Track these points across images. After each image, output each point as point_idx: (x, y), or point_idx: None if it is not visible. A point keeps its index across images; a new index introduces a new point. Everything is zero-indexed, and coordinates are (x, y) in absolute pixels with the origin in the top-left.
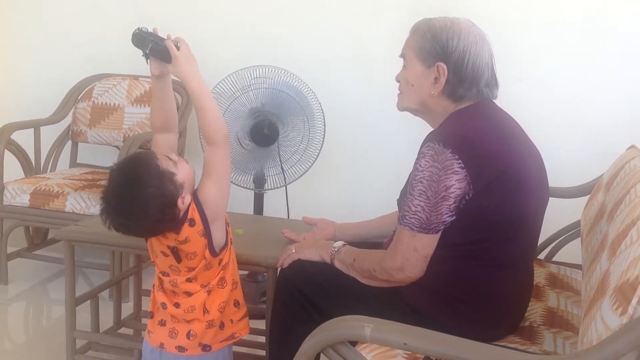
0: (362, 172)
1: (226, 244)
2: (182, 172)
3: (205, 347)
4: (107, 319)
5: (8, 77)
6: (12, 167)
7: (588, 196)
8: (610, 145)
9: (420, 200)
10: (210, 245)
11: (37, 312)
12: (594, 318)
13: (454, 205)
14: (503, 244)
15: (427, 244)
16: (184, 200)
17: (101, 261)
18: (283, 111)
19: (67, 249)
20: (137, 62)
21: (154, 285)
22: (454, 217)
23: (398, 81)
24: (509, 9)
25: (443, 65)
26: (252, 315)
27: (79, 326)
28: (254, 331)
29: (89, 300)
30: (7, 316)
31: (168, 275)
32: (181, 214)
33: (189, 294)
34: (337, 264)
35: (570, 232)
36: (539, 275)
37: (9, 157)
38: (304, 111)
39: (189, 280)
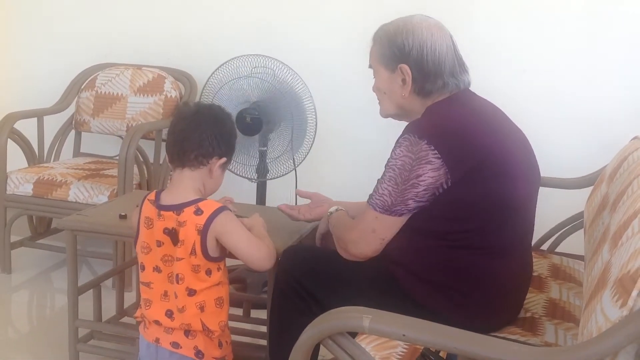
0: (358, 168)
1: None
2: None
3: (199, 354)
4: (110, 308)
5: (12, 68)
6: (16, 157)
7: (592, 187)
8: (614, 136)
9: (389, 185)
10: (203, 244)
11: (40, 301)
12: (594, 310)
13: (424, 192)
14: (493, 231)
15: (387, 226)
16: (214, 165)
17: (105, 250)
18: (272, 108)
19: (69, 239)
20: (140, 52)
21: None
22: (422, 204)
23: (374, 92)
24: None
25: (404, 67)
26: (255, 305)
27: (81, 315)
28: (256, 321)
29: (92, 290)
30: (10, 305)
31: (160, 270)
32: (204, 167)
33: (181, 290)
34: (330, 228)
35: (574, 223)
36: (541, 267)
37: (13, 147)
38: (292, 116)
39: (177, 278)
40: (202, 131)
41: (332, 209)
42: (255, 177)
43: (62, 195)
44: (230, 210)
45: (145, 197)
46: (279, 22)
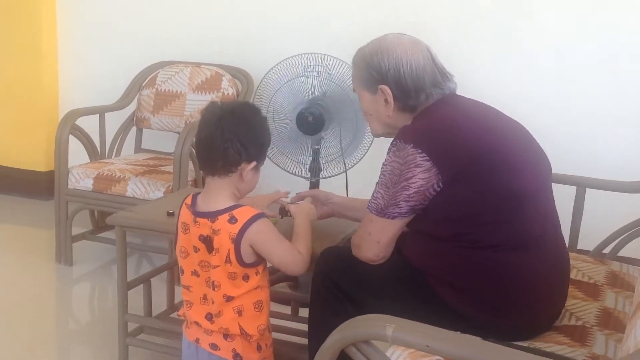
0: None
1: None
2: (255, 180)
3: (237, 357)
4: (163, 303)
5: (78, 67)
6: (78, 153)
7: None
8: None
9: (381, 188)
10: (237, 253)
11: (99, 294)
12: (635, 325)
13: (415, 194)
14: (502, 226)
15: (381, 228)
16: (244, 170)
17: (165, 245)
18: (333, 107)
19: (119, 234)
20: (200, 50)
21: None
22: (416, 206)
23: (363, 114)
24: None
25: (384, 87)
26: (303, 303)
27: (136, 309)
28: (304, 320)
29: (142, 285)
30: (71, 297)
31: (198, 275)
32: (234, 173)
33: (218, 296)
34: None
35: (638, 227)
36: (598, 273)
37: (76, 143)
38: (356, 115)
39: (213, 285)
40: (226, 139)
41: None
42: (308, 176)
43: (121, 190)
44: (267, 217)
45: (183, 201)
46: (335, 17)
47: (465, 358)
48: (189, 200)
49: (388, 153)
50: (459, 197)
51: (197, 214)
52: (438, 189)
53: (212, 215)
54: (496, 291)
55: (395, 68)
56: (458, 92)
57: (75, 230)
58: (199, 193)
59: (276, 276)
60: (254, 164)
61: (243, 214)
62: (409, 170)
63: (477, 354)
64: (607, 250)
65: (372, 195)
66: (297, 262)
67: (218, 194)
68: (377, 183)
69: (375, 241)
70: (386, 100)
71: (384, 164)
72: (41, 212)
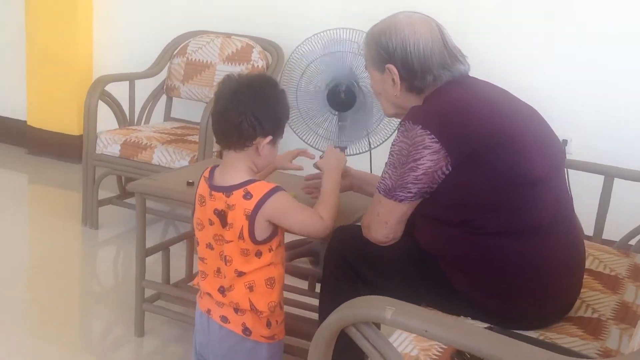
0: None
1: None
2: (272, 155)
3: (246, 331)
4: (183, 270)
5: (111, 34)
6: (109, 119)
7: None
8: None
9: (389, 169)
10: (251, 229)
11: (124, 258)
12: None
13: (423, 175)
14: (512, 212)
15: (388, 209)
16: (260, 144)
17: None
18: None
19: (139, 201)
20: (231, 20)
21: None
22: (424, 189)
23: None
24: None
25: (390, 66)
26: (320, 279)
27: (157, 276)
28: (316, 295)
29: (161, 252)
30: (96, 260)
31: (213, 248)
32: (250, 147)
33: (230, 271)
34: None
35: None
36: (621, 266)
37: (106, 109)
38: None
39: (226, 260)
40: (241, 112)
41: None
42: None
43: (147, 157)
44: (284, 190)
45: (202, 173)
46: None
47: (463, 345)
48: (206, 173)
49: (396, 135)
50: (467, 181)
51: (213, 188)
52: (447, 172)
53: (228, 190)
54: (505, 278)
55: (403, 48)
56: (477, 75)
57: (103, 195)
58: (218, 166)
59: (298, 251)
60: (269, 138)
61: (258, 190)
62: (417, 151)
63: (475, 342)
64: (633, 242)
65: (381, 176)
66: (317, 228)
67: (234, 167)
68: (386, 163)
69: (384, 222)
70: (393, 80)
71: (392, 144)
72: (73, 175)
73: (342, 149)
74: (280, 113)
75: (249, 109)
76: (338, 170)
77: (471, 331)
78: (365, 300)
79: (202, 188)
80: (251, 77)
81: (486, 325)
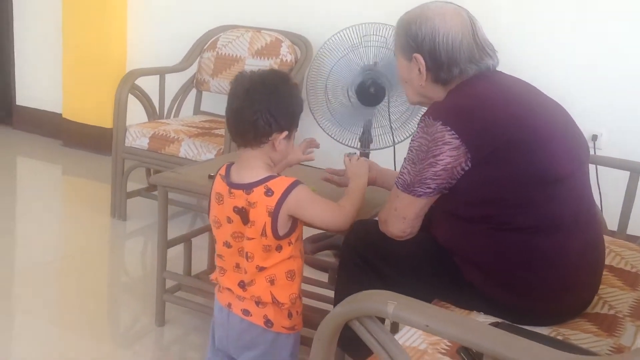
0: None
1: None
2: (288, 149)
3: (268, 323)
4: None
5: (144, 29)
6: (140, 112)
7: None
8: None
9: (408, 164)
10: (274, 226)
11: (150, 249)
12: None
13: (443, 171)
14: (536, 209)
15: (406, 204)
16: (276, 140)
17: None
18: (392, 78)
19: (161, 194)
20: (261, 14)
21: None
22: (443, 185)
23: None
24: None
25: (418, 56)
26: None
27: (180, 268)
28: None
29: (183, 244)
30: (123, 250)
31: (230, 246)
32: (266, 144)
33: (251, 267)
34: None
35: None
36: None
37: (136, 103)
38: None
39: (247, 256)
40: (256, 110)
41: None
42: (359, 146)
43: (174, 151)
44: (303, 183)
45: (217, 171)
46: None
47: (462, 340)
48: (222, 171)
49: (417, 128)
50: (489, 178)
51: (232, 185)
52: (467, 168)
53: (248, 187)
54: (523, 275)
55: (431, 38)
56: (505, 70)
57: (132, 187)
58: (233, 164)
59: (321, 244)
60: (285, 133)
61: (279, 185)
62: (437, 147)
63: (475, 338)
64: None
65: (400, 171)
66: (339, 220)
67: (251, 165)
68: (405, 159)
69: (401, 217)
70: (419, 70)
71: (412, 140)
72: (105, 167)
73: (366, 155)
74: (295, 107)
75: (263, 106)
76: (365, 176)
77: (472, 327)
78: (368, 295)
79: (220, 186)
80: (263, 74)
81: (498, 320)
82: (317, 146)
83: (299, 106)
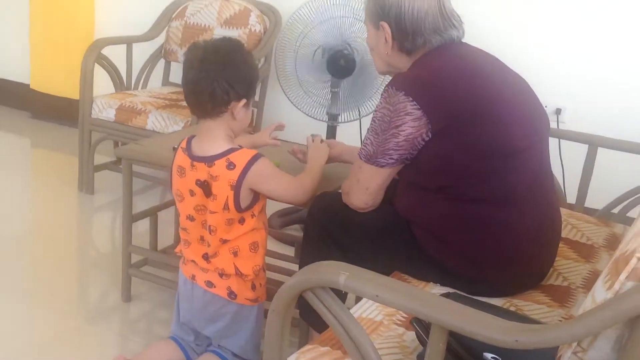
0: None
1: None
2: (248, 118)
3: (231, 294)
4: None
5: None
6: (105, 82)
7: None
8: None
9: (370, 135)
10: (236, 199)
11: (117, 224)
12: (591, 292)
13: (404, 142)
14: (490, 181)
15: (369, 175)
16: (235, 108)
17: None
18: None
19: (126, 167)
20: None
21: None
22: (405, 155)
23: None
24: None
25: (384, 24)
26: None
27: (147, 242)
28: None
29: (149, 218)
30: (91, 225)
31: (193, 219)
32: (225, 113)
33: (215, 240)
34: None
35: None
36: (598, 235)
37: (102, 73)
38: None
39: (210, 229)
40: (212, 80)
41: None
42: (326, 119)
43: (141, 123)
44: (264, 156)
45: (179, 144)
46: None
47: (412, 309)
48: (184, 144)
49: (380, 98)
50: (446, 149)
51: (194, 158)
52: (427, 139)
53: (209, 160)
54: (478, 245)
55: (397, 7)
56: (471, 41)
57: (101, 160)
58: (194, 136)
59: (289, 218)
60: (243, 101)
61: (240, 158)
62: (399, 118)
63: (422, 307)
64: (616, 211)
65: (363, 142)
66: (298, 194)
67: (213, 136)
68: (368, 129)
69: (364, 188)
70: (386, 39)
71: (375, 110)
72: (74, 139)
73: (333, 129)
74: (251, 75)
75: (219, 75)
76: (323, 158)
77: (420, 297)
78: (321, 266)
79: (181, 159)
80: (216, 43)
81: (449, 291)
82: (282, 129)
83: (255, 73)
